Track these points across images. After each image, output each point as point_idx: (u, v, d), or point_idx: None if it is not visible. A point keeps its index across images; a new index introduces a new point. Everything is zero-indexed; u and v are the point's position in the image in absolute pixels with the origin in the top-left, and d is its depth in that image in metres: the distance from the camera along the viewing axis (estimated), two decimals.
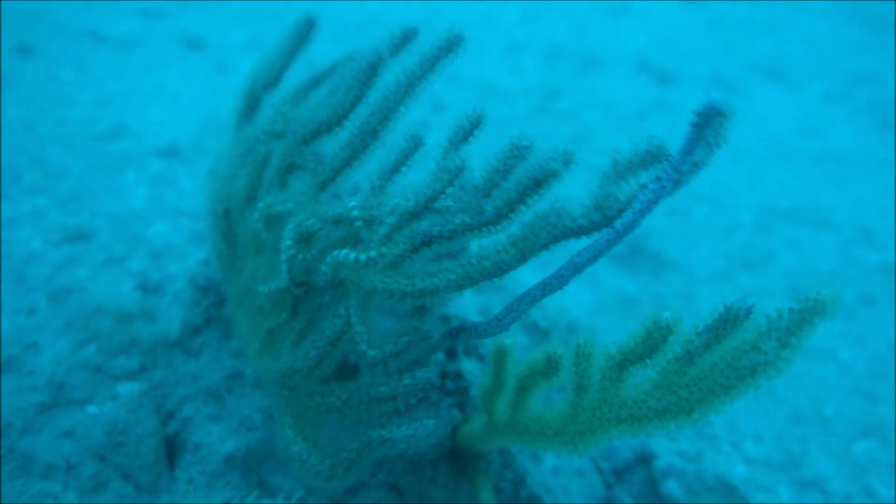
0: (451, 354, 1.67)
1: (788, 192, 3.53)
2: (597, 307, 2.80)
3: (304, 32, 1.54)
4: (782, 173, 3.65)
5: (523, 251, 0.96)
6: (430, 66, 1.22)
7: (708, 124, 0.81)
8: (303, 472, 1.23)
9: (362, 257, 1.10)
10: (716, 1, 5.70)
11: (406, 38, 1.28)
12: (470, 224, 1.04)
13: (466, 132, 1.18)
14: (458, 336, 1.19)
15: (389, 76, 1.26)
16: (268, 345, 1.31)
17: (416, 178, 1.26)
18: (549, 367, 1.20)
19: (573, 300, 2.81)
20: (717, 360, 0.86)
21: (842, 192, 3.57)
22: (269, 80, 1.60)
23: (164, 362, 1.71)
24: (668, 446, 2.08)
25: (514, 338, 1.35)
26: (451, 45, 1.21)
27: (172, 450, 1.63)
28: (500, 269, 0.98)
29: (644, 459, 2.03)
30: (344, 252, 1.11)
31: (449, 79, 1.18)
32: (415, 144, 1.27)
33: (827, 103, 4.55)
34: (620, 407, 1.00)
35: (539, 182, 0.98)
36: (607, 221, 0.90)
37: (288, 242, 1.16)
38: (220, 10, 3.62)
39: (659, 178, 0.87)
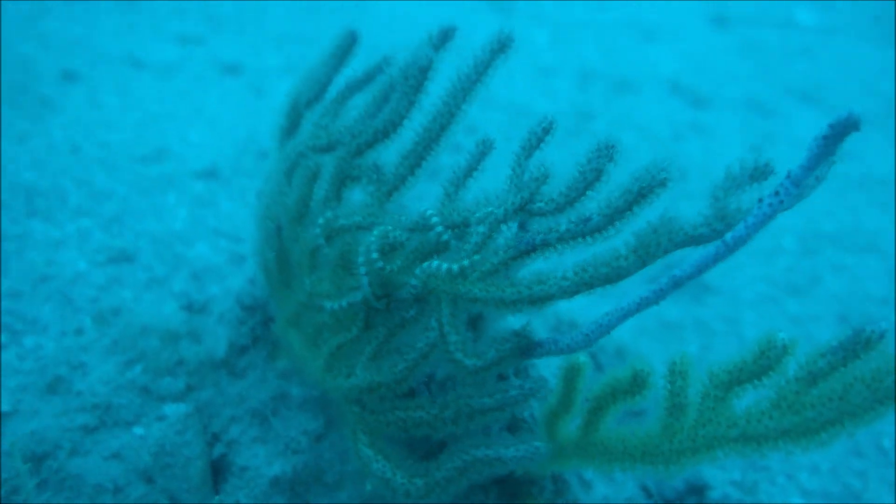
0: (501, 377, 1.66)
1: (832, 215, 3.48)
2: (638, 331, 2.76)
3: (347, 46, 1.57)
4: (824, 196, 3.61)
5: (643, 258, 0.97)
6: (484, 67, 1.24)
7: (841, 138, 0.81)
8: (387, 491, 1.21)
9: (455, 267, 1.10)
10: (746, 26, 5.72)
11: (445, 36, 1.30)
12: (576, 232, 1.05)
13: (539, 138, 1.19)
14: (533, 352, 1.18)
15: (443, 80, 1.29)
16: (336, 361, 1.31)
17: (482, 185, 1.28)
18: (635, 385, 1.18)
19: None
20: (853, 381, 0.85)
21: (886, 216, 3.52)
22: (312, 96, 1.62)
23: (211, 383, 1.71)
24: (720, 476, 2.03)
25: (553, 361, 1.34)
26: (503, 46, 1.24)
27: (218, 472, 1.62)
28: (618, 276, 0.98)
29: (696, 489, 1.98)
30: (436, 263, 1.11)
31: (481, 101, 1.20)
32: (486, 149, 1.28)
33: (865, 126, 4.50)
34: (730, 426, 0.99)
35: (648, 191, 1.00)
36: (728, 230, 0.91)
37: (374, 255, 1.16)
38: (256, 36, 3.71)
39: (777, 193, 0.87)
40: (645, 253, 0.98)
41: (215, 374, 1.72)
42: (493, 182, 1.23)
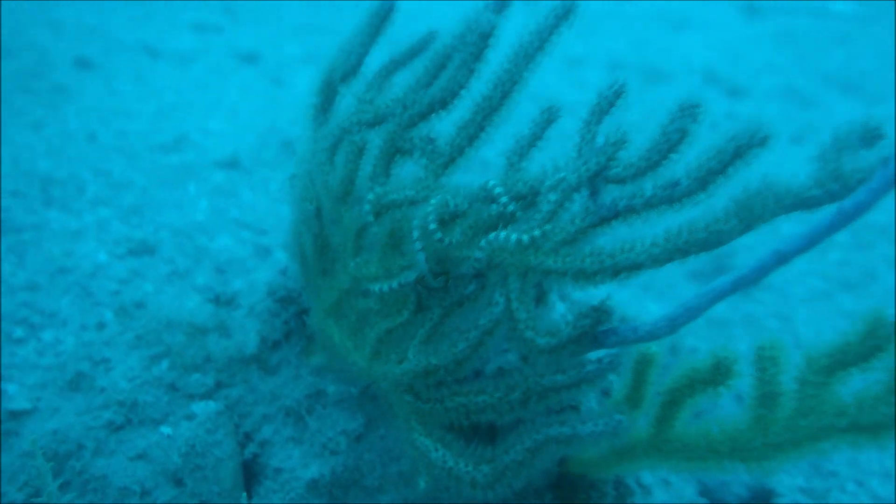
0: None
1: (882, 207, 3.37)
2: (684, 328, 2.67)
3: (384, 15, 1.49)
4: None
5: (747, 222, 0.89)
6: (548, 33, 1.18)
7: None
8: (450, 481, 1.13)
9: (525, 238, 1.03)
10: (779, 15, 5.62)
11: (502, 6, 1.24)
12: (663, 197, 0.97)
13: (610, 102, 1.12)
14: (606, 340, 1.10)
15: (503, 49, 1.22)
16: (385, 347, 1.23)
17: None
18: (718, 374, 1.10)
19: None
20: None
21: None
22: (348, 69, 1.54)
23: (241, 379, 1.64)
24: (787, 481, 1.93)
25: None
26: (567, 12, 1.17)
27: (251, 475, 1.55)
28: (717, 241, 0.90)
29: (761, 496, 1.88)
30: (504, 234, 1.04)
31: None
32: (552, 116, 1.21)
33: None
34: (837, 415, 0.90)
35: (745, 150, 0.92)
36: (846, 193, 0.82)
37: (432, 226, 1.08)
38: (274, 25, 3.66)
39: None
40: (749, 216, 0.90)
41: (246, 370, 1.64)
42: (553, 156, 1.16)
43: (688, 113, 1.03)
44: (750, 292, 2.85)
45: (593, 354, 1.18)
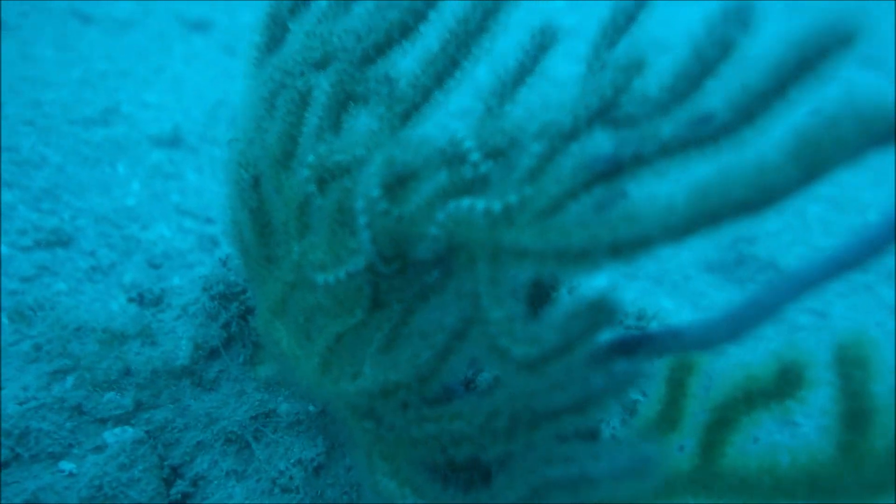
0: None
1: None
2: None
3: None
4: None
5: (811, 168, 0.61)
6: None
7: None
8: None
9: (496, 206, 0.76)
10: None
11: None
12: (687, 138, 0.69)
13: (629, 16, 0.88)
14: (640, 348, 0.83)
15: None
16: (336, 358, 0.97)
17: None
18: (785, 383, 0.85)
19: (670, 317, 2.45)
20: None
21: None
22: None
23: (169, 398, 1.36)
24: None
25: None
26: None
27: None
28: (765, 198, 0.62)
29: None
30: (467, 201, 0.77)
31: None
32: (546, 42, 0.95)
33: None
34: None
35: (819, 57, 0.64)
36: None
37: (375, 192, 0.81)
38: None
39: None
40: (815, 157, 0.61)
41: (175, 386, 1.36)
42: None
43: (735, 17, 0.76)
44: None
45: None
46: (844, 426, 0.84)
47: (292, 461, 1.33)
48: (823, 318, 2.44)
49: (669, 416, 0.99)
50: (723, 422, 0.92)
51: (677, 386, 0.99)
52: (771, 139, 0.67)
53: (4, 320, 1.51)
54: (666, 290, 2.58)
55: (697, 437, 0.96)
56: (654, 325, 0.90)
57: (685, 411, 0.99)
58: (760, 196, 0.62)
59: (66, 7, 2.88)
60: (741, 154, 0.71)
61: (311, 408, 1.38)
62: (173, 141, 2.29)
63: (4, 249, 1.71)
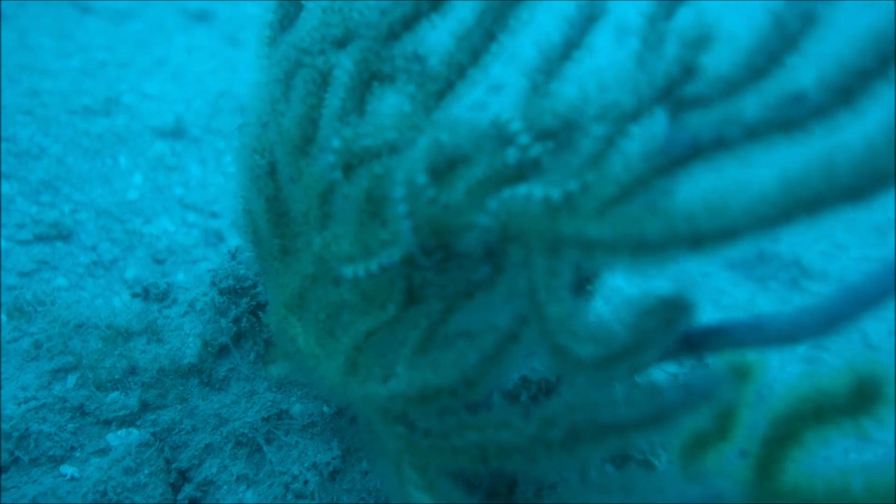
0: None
1: None
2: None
3: None
4: None
5: None
6: None
7: None
8: None
9: (556, 193, 0.70)
10: None
11: None
12: (775, 120, 0.64)
13: None
14: (710, 342, 0.78)
15: None
16: (364, 357, 0.91)
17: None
18: (861, 397, 0.79)
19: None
20: None
21: None
22: None
23: (176, 398, 1.30)
24: None
25: None
26: None
27: None
28: (873, 181, 0.57)
29: None
30: (523, 189, 0.71)
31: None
32: (593, 12, 0.89)
33: None
34: None
35: None
36: None
37: (421, 179, 0.76)
38: None
39: None
40: None
41: (183, 385, 1.31)
42: None
43: None
44: (799, 283, 2.55)
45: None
46: None
47: (306, 465, 1.27)
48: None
49: (722, 426, 0.93)
50: (785, 436, 0.86)
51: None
52: (871, 121, 0.61)
53: (3, 317, 1.45)
54: (686, 286, 2.53)
55: (753, 451, 0.90)
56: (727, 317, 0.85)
57: (739, 421, 0.93)
58: (869, 180, 0.56)
59: None
60: (839, 136, 0.66)
61: (325, 409, 1.32)
62: (176, 132, 2.23)
63: (3, 243, 1.65)
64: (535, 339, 0.78)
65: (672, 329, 0.65)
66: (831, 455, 0.86)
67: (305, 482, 1.25)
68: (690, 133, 0.66)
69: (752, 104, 0.68)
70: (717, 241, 0.61)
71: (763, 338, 0.73)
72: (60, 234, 1.74)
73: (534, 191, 0.71)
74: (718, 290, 2.52)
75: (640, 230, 0.65)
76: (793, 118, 0.66)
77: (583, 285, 1.20)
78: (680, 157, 0.67)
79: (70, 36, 2.52)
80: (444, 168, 0.83)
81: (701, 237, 0.61)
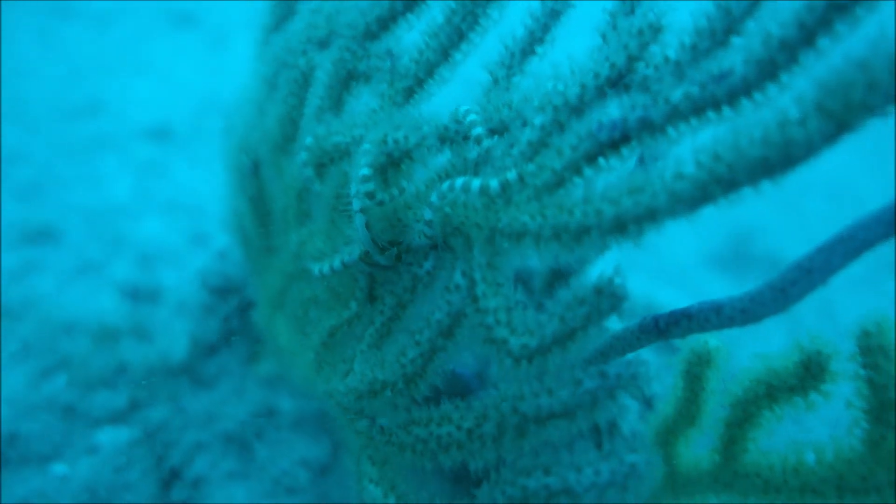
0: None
1: None
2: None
3: None
4: None
5: (840, 119, 0.54)
6: None
7: None
8: None
9: (493, 184, 0.71)
10: None
11: None
12: (701, 98, 0.64)
13: None
14: (676, 327, 0.79)
15: None
16: (330, 353, 0.92)
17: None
18: (809, 375, 0.82)
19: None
20: None
21: None
22: None
23: (166, 396, 1.32)
24: None
25: None
26: None
27: None
28: (787, 158, 0.56)
29: None
30: (461, 180, 0.72)
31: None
32: (558, 7, 0.89)
33: None
34: None
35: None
36: None
37: (364, 171, 0.77)
38: None
39: None
40: (844, 108, 0.54)
41: (172, 383, 1.32)
42: None
43: None
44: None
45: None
46: (872, 420, 0.79)
47: (296, 460, 1.28)
48: (827, 311, 2.43)
49: (688, 411, 0.95)
50: (744, 418, 0.88)
51: (694, 380, 0.95)
52: (791, 93, 0.61)
53: None
54: (663, 282, 2.56)
55: (718, 434, 0.92)
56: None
57: (703, 406, 0.95)
58: (781, 155, 0.56)
59: (49, 2, 2.83)
60: (758, 112, 0.65)
61: (315, 405, 1.33)
62: (163, 134, 2.23)
63: None
64: (471, 333, 0.78)
65: (600, 318, 0.66)
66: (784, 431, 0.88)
67: (295, 477, 1.26)
68: (618, 116, 0.66)
69: (680, 85, 0.68)
70: (640, 224, 0.61)
71: (726, 319, 0.75)
72: (48, 234, 1.74)
73: (472, 182, 0.72)
74: (697, 285, 2.56)
75: (566, 217, 0.66)
76: (717, 94, 0.64)
77: (555, 281, 1.21)
78: (609, 141, 0.67)
79: (54, 41, 2.52)
80: (389, 163, 0.84)
81: (624, 220, 0.62)
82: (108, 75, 2.43)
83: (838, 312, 2.44)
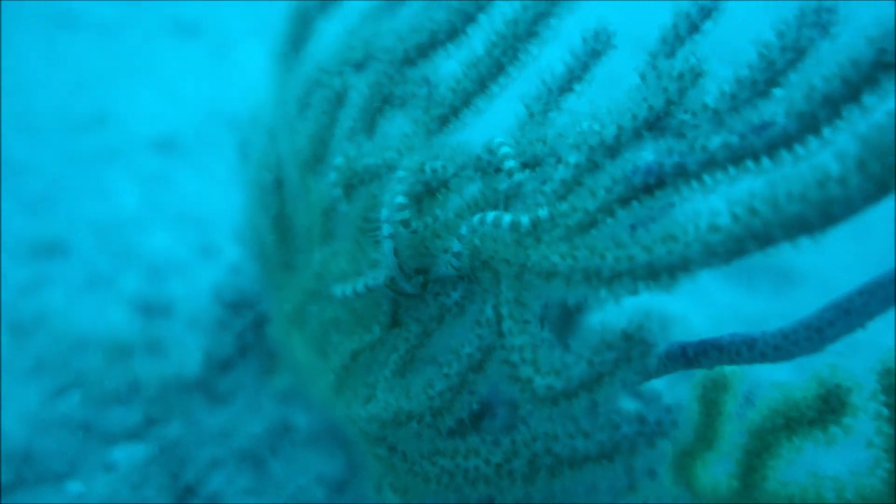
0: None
1: None
2: (713, 331, 2.39)
3: None
4: None
5: (883, 177, 0.53)
6: None
7: None
8: None
9: (524, 220, 0.70)
10: None
11: None
12: (739, 148, 0.63)
13: (693, 24, 0.84)
14: (705, 357, 0.79)
15: None
16: (351, 377, 0.91)
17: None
18: (828, 407, 0.81)
19: (681, 323, 2.42)
20: None
21: None
22: None
23: (180, 412, 1.31)
24: None
25: None
26: None
27: None
28: (826, 215, 0.54)
29: None
30: (493, 214, 0.72)
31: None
32: (600, 46, 0.89)
33: None
34: None
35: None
36: None
37: (399, 200, 0.76)
38: None
39: None
40: (886, 168, 0.53)
41: (186, 399, 1.31)
42: None
43: (814, 18, 0.72)
44: (784, 287, 2.59)
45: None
46: (892, 459, 0.78)
47: (312, 476, 1.27)
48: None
49: (706, 437, 0.94)
50: (763, 447, 0.87)
51: (711, 406, 0.94)
52: (833, 149, 0.60)
53: (3, 334, 1.44)
54: (672, 297, 2.56)
55: (736, 461, 0.91)
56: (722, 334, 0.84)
57: (721, 431, 0.94)
58: (819, 213, 0.55)
59: (53, 14, 2.82)
60: (797, 166, 0.65)
61: (330, 420, 1.33)
62: (170, 145, 2.23)
63: (2, 260, 1.64)
64: (499, 369, 0.78)
65: (629, 366, 0.65)
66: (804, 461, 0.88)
67: (312, 494, 1.25)
68: (653, 161, 0.66)
69: (719, 133, 0.67)
70: (672, 273, 0.61)
71: (758, 354, 0.75)
72: (57, 248, 1.74)
73: (503, 216, 0.71)
74: (705, 294, 2.55)
75: (598, 260, 0.65)
76: (756, 146, 0.63)
77: (570, 316, 1.20)
78: (643, 187, 0.67)
79: (60, 53, 2.52)
80: (425, 191, 0.84)
81: (657, 268, 0.61)
82: (114, 86, 2.43)
83: (859, 341, 2.44)
